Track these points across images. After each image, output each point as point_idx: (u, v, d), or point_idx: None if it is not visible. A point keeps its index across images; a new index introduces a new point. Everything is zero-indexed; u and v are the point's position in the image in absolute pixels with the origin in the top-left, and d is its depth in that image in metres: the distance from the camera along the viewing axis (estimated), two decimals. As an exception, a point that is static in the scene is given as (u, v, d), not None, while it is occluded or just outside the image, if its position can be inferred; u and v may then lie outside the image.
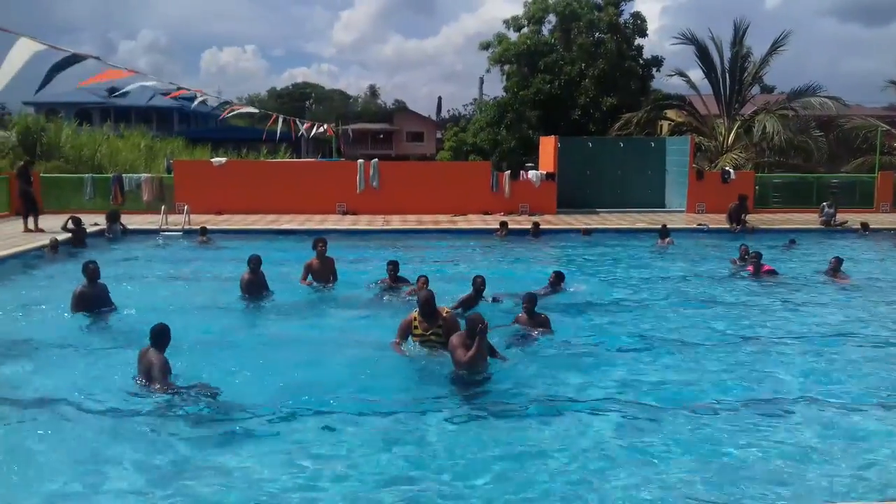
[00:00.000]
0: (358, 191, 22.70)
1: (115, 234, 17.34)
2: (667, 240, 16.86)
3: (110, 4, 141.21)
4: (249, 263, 10.78)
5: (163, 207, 19.15)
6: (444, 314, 8.06)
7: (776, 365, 8.08)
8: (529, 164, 26.68)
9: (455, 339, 7.35)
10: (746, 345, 8.91)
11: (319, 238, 11.85)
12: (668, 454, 5.78)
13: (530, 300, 8.97)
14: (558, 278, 11.40)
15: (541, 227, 18.50)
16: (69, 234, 15.46)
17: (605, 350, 8.65)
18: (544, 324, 8.87)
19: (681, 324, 9.97)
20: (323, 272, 11.56)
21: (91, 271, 9.64)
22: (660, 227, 17.53)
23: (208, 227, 17.55)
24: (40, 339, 8.67)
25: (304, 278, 11.56)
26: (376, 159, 23.71)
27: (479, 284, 10.01)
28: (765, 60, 30.70)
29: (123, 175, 22.88)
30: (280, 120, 25.65)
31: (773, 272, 12.95)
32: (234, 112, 22.06)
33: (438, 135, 70.19)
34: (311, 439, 6.05)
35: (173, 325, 7.14)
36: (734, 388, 7.29)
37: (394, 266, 11.43)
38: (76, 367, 7.76)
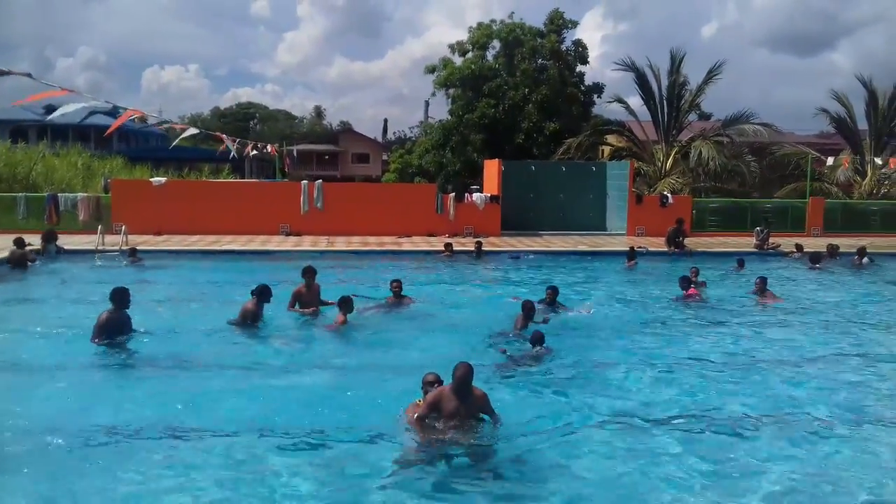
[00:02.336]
0: (302, 212, 22.55)
1: (50, 254, 16.88)
2: (632, 262, 17.32)
3: (48, 22, 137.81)
4: (260, 294, 10.39)
5: (99, 227, 18.70)
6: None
7: (687, 382, 8.35)
8: (474, 187, 26.96)
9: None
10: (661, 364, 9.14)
11: (309, 266, 11.69)
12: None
13: (538, 339, 8.89)
14: (554, 294, 11.33)
15: (483, 247, 18.73)
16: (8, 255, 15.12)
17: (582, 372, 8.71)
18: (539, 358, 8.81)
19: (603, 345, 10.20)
20: (310, 300, 11.42)
21: (120, 297, 9.22)
22: (628, 248, 18.06)
23: (146, 247, 17.24)
24: None
25: (292, 305, 11.31)
26: (320, 180, 23.62)
27: (528, 309, 10.17)
28: (701, 88, 31.77)
29: (59, 194, 22.29)
30: (232, 141, 25.24)
31: (694, 296, 13.28)
32: (183, 136, 21.67)
33: (384, 157, 70.34)
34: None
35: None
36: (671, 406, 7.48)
37: (398, 284, 11.80)
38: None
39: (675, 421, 7.06)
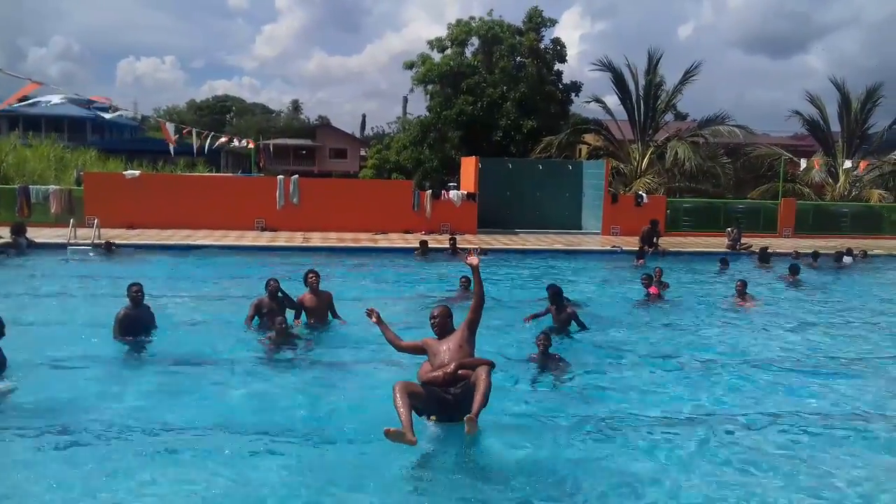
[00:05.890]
0: (277, 207, 22.41)
1: (20, 247, 16.66)
2: (640, 261, 17.50)
3: (20, 10, 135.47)
4: (268, 287, 9.79)
5: (71, 221, 18.45)
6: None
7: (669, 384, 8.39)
8: (451, 184, 27.00)
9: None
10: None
11: (311, 270, 10.24)
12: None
13: (546, 339, 8.77)
14: (557, 294, 10.68)
15: (457, 244, 18.65)
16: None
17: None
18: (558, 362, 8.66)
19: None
20: (318, 309, 9.99)
21: (134, 294, 8.99)
22: (638, 248, 18.41)
23: (117, 241, 17.11)
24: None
25: (298, 317, 9.97)
26: (296, 175, 23.49)
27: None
28: (677, 89, 32.04)
29: (30, 186, 21.96)
30: (206, 135, 24.99)
31: (653, 295, 13.39)
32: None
33: (362, 152, 70.00)
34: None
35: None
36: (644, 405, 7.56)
37: (467, 279, 12.04)
38: None
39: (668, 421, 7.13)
